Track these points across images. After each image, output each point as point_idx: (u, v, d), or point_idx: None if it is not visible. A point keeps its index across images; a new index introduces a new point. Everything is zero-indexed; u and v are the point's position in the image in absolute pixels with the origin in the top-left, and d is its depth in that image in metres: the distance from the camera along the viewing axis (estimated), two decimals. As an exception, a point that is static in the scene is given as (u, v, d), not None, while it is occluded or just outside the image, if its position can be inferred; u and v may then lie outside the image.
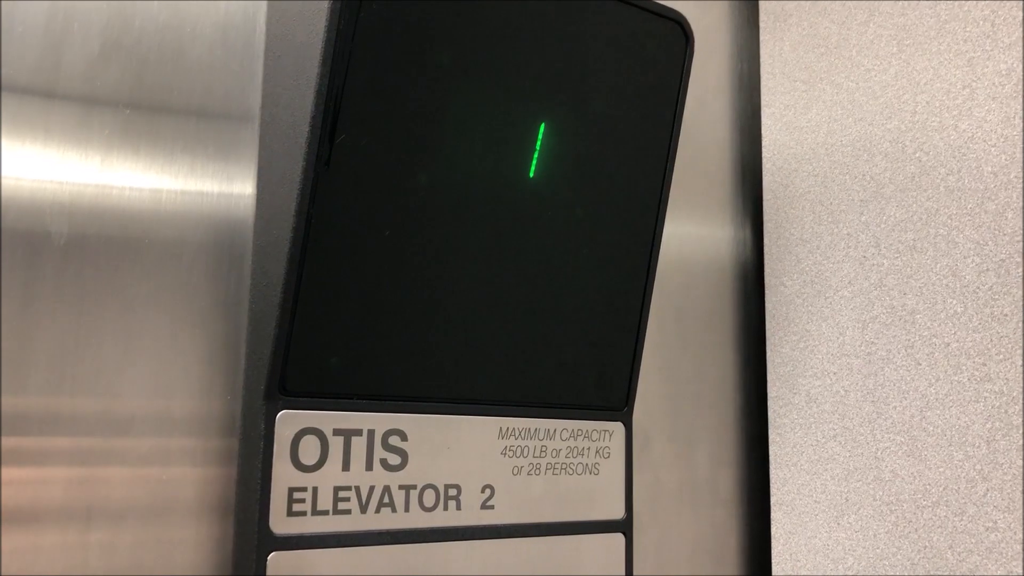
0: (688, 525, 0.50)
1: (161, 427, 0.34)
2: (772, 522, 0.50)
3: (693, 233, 0.53)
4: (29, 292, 0.32)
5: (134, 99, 0.35)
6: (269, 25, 0.38)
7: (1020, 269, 0.42)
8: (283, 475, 0.33)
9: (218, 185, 0.37)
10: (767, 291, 0.53)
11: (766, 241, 0.53)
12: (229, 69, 0.37)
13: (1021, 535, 0.40)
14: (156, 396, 0.34)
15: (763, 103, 0.54)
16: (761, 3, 0.55)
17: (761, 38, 0.55)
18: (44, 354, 0.32)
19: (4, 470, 0.31)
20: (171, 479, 0.34)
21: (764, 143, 0.54)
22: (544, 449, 0.40)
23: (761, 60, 0.54)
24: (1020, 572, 0.40)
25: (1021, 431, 0.41)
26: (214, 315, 0.36)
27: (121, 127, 0.34)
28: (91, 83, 0.34)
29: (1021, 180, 0.42)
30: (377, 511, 0.35)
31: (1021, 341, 0.41)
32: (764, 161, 0.54)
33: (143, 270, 0.34)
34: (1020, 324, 0.41)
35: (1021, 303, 0.41)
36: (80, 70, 0.34)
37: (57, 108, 0.33)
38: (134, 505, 0.33)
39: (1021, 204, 0.42)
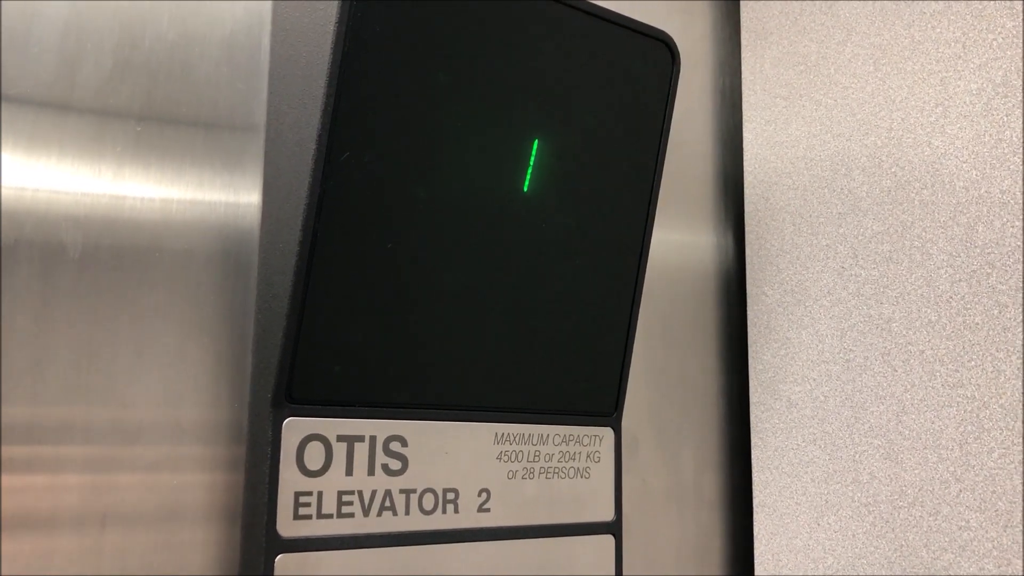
0: (674, 527, 0.51)
1: (171, 435, 0.35)
2: (755, 523, 0.52)
3: (677, 243, 0.55)
4: (45, 302, 0.33)
5: (145, 114, 0.36)
6: (273, 44, 0.39)
7: (991, 280, 0.44)
8: (289, 480, 0.35)
9: (225, 196, 0.38)
10: (749, 300, 0.54)
11: (748, 251, 0.55)
12: (235, 86, 0.38)
13: (992, 533, 0.42)
14: (166, 405, 0.35)
15: (745, 118, 0.56)
16: (743, 21, 0.57)
17: (743, 55, 0.57)
18: (60, 364, 0.33)
19: (21, 478, 0.32)
20: (181, 485, 0.35)
21: (746, 156, 0.56)
22: (538, 454, 0.42)
23: (743, 76, 0.56)
24: (991, 568, 0.42)
25: (992, 434, 0.43)
26: (221, 324, 0.37)
27: (132, 141, 0.35)
28: (103, 99, 0.35)
29: (1001, 195, 0.44)
30: (379, 514, 0.37)
31: (992, 348, 0.43)
32: (746, 174, 0.55)
33: (154, 280, 0.36)
34: (991, 332, 0.43)
35: (992, 312, 0.43)
36: (93, 87, 0.35)
37: (72, 123, 0.34)
38: (146, 510, 0.35)
39: (993, 218, 0.44)
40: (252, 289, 0.38)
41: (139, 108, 0.36)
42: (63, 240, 0.34)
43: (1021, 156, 0.43)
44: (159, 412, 0.35)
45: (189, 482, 0.36)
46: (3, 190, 0.33)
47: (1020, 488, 0.41)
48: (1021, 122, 0.44)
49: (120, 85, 0.35)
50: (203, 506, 0.36)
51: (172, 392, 0.36)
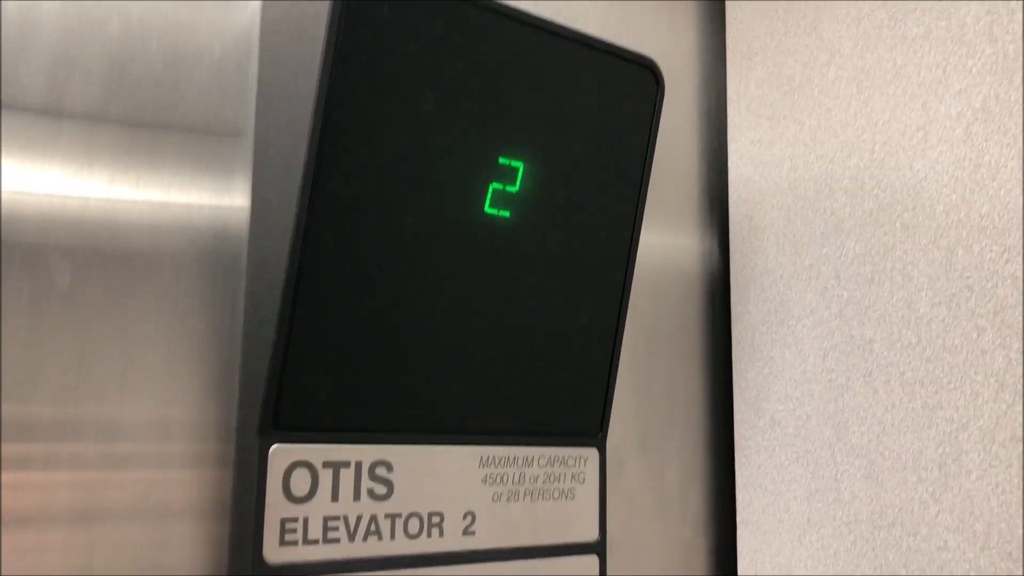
0: (658, 543, 0.52)
1: (160, 434, 0.36)
2: (738, 540, 0.52)
3: (662, 260, 0.55)
4: (37, 306, 0.34)
5: (134, 142, 0.36)
6: (261, 70, 0.39)
7: (970, 303, 0.44)
8: (275, 507, 0.35)
9: (214, 200, 0.38)
10: (733, 319, 0.55)
11: (732, 270, 0.55)
12: (222, 115, 0.38)
13: (970, 554, 0.43)
14: (156, 404, 0.36)
15: (729, 138, 0.56)
16: (728, 42, 0.57)
17: (728, 75, 0.57)
18: (51, 366, 0.34)
19: (12, 475, 0.33)
20: (170, 482, 0.36)
21: (730, 176, 0.56)
22: (523, 476, 0.42)
23: (728, 97, 0.57)
24: (969, 589, 0.42)
25: (970, 456, 0.43)
26: (210, 327, 0.38)
27: (123, 162, 0.36)
28: (97, 108, 0.36)
29: (980, 219, 0.45)
30: (364, 539, 0.37)
31: (970, 371, 0.44)
32: (730, 194, 0.56)
33: (145, 284, 0.36)
34: (970, 355, 0.44)
35: (971, 336, 0.44)
36: (86, 96, 0.35)
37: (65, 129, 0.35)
38: (136, 507, 0.35)
39: (972, 242, 0.45)
40: (241, 292, 0.38)
41: (127, 137, 0.36)
42: (55, 245, 0.34)
43: (999, 181, 0.44)
44: (149, 411, 0.36)
45: (178, 479, 0.36)
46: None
47: (997, 510, 0.42)
48: (999, 147, 0.44)
49: (108, 107, 0.36)
50: (192, 503, 0.37)
51: (162, 392, 0.36)
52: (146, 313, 0.36)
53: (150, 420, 0.36)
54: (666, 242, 0.55)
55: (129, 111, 0.36)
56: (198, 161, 0.38)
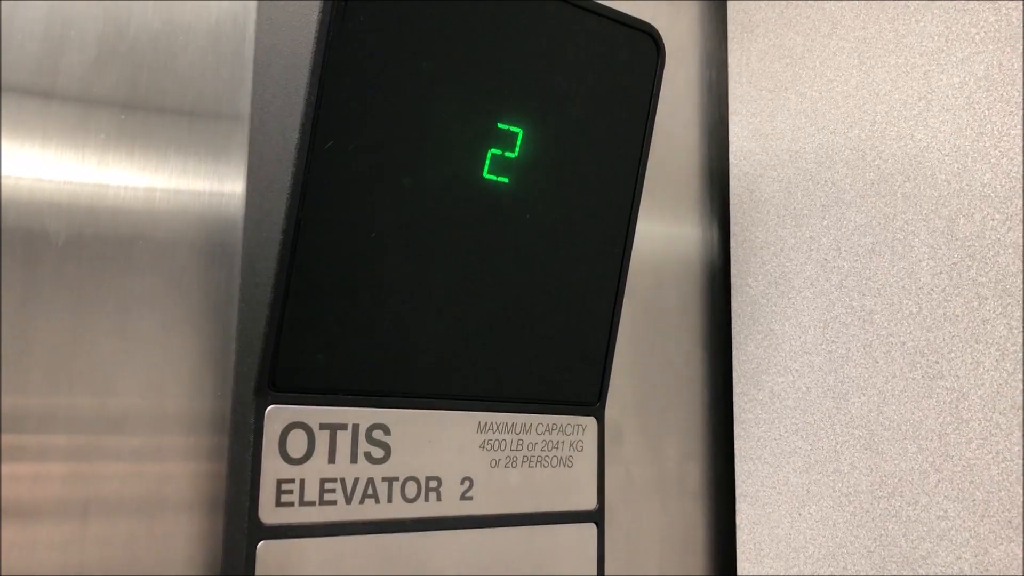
0: (657, 516, 0.52)
1: (154, 424, 0.36)
2: (737, 513, 0.52)
3: (662, 234, 0.55)
4: (28, 290, 0.33)
5: (129, 103, 0.36)
6: (258, 33, 0.39)
7: (971, 272, 0.44)
8: (272, 467, 0.35)
9: (209, 185, 0.38)
10: (733, 291, 0.55)
11: (732, 243, 0.55)
12: (220, 75, 0.38)
13: (970, 523, 0.42)
14: (149, 393, 0.36)
15: (730, 110, 0.56)
16: (730, 14, 0.57)
17: (729, 47, 0.57)
18: (42, 352, 0.33)
19: (4, 466, 0.32)
20: (164, 474, 0.36)
21: (731, 149, 0.56)
22: (521, 443, 0.42)
23: (729, 68, 0.57)
24: (968, 558, 0.42)
25: (971, 425, 0.43)
26: (205, 313, 0.37)
27: (117, 129, 0.36)
28: (88, 87, 0.35)
29: (982, 188, 0.45)
30: (361, 502, 0.37)
31: (971, 340, 0.44)
32: (731, 166, 0.56)
33: (137, 268, 0.36)
34: (971, 324, 0.44)
35: (972, 304, 0.44)
36: (77, 75, 0.35)
37: (55, 110, 0.34)
38: (129, 499, 0.35)
39: (974, 211, 0.44)
40: (236, 277, 0.38)
41: (123, 96, 0.36)
42: (46, 228, 0.34)
43: (1001, 150, 0.44)
44: (143, 401, 0.35)
45: (172, 471, 0.36)
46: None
47: (997, 478, 0.42)
48: (1002, 116, 0.44)
49: (104, 73, 0.35)
50: (186, 495, 0.36)
51: (156, 381, 0.36)
52: (139, 300, 0.36)
53: (144, 410, 0.35)
54: (666, 216, 0.55)
55: (122, 88, 0.36)
56: (193, 143, 0.38)
